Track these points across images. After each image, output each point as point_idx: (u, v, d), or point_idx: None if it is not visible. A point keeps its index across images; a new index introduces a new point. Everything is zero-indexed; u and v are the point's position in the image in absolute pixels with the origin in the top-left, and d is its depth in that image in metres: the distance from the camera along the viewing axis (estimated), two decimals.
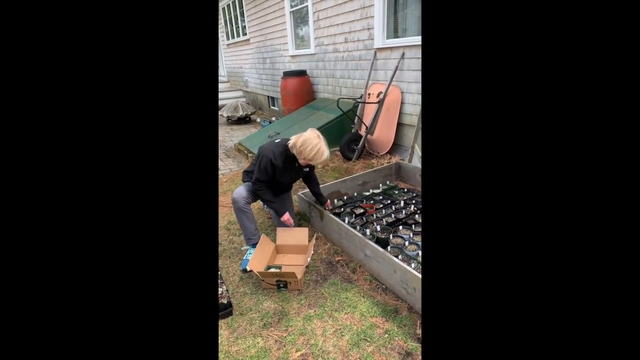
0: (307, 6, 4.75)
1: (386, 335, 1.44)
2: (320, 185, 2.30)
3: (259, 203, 2.64)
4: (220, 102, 7.76)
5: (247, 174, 2.12)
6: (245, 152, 4.14)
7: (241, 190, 2.00)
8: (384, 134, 3.63)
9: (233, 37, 8.40)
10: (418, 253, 1.79)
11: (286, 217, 2.05)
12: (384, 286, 1.73)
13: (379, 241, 1.90)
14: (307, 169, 2.13)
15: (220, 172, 3.70)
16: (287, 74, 5.03)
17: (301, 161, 1.95)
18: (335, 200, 2.54)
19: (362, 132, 3.67)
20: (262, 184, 1.96)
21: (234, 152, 4.49)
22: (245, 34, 7.40)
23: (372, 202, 2.50)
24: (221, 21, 8.96)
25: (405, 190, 2.70)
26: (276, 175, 1.97)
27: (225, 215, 2.63)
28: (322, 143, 1.89)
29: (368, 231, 2.00)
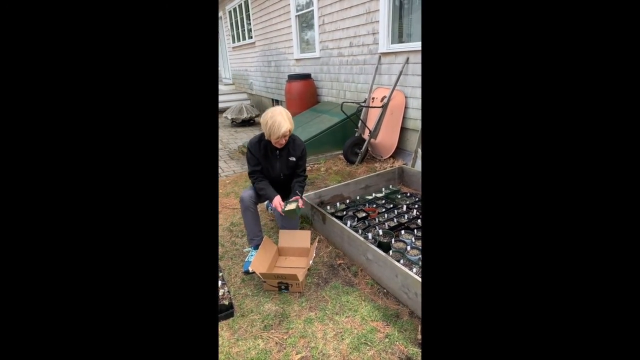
0: (312, 10, 4.79)
1: (387, 340, 1.44)
2: (323, 189, 2.30)
3: (263, 205, 2.65)
4: (225, 105, 7.81)
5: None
6: None
7: (249, 190, 2.05)
8: (387, 138, 3.64)
9: (239, 40, 8.46)
10: (420, 258, 1.79)
11: (276, 201, 1.95)
12: (385, 290, 1.73)
13: (380, 245, 1.90)
14: (293, 159, 2.08)
15: (223, 174, 3.72)
16: (292, 77, 5.06)
17: (274, 143, 1.96)
18: (338, 204, 2.55)
19: (366, 136, 3.68)
20: (254, 175, 2.04)
21: (237, 154, 4.52)
22: (251, 37, 7.46)
23: (374, 206, 2.50)
24: (227, 24, 9.04)
25: (408, 194, 2.70)
26: (262, 163, 2.05)
27: (228, 217, 2.64)
28: (276, 117, 1.85)
29: (370, 235, 2.01)
